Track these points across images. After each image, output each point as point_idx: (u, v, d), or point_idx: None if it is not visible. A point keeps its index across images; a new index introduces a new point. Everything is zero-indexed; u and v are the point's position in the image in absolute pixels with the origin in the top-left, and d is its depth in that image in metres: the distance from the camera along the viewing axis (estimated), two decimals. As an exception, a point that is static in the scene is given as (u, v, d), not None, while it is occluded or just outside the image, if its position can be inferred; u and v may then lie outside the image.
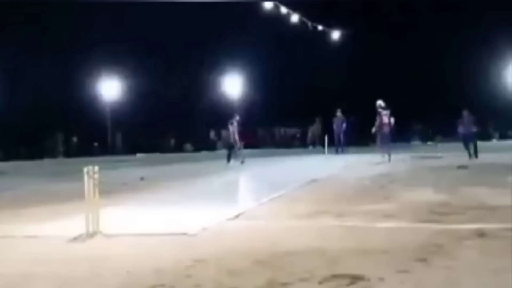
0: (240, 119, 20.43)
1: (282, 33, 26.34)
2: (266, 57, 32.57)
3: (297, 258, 5.42)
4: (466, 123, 18.06)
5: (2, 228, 7.60)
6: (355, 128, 26.53)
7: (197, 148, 34.71)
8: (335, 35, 25.05)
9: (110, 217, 7.28)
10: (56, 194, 11.69)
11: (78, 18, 30.12)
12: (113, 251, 6.09)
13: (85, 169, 6.85)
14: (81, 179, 6.89)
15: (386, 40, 33.10)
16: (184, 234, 6.74)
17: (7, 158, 28.70)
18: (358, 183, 12.33)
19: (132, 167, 20.21)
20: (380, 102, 18.69)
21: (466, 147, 17.80)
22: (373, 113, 18.72)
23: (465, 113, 18.17)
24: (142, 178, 14.67)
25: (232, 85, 35.70)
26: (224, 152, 24.28)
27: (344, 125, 25.04)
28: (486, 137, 32.58)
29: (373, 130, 18.64)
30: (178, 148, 35.81)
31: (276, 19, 22.14)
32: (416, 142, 33.47)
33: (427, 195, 9.76)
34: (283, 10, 21.67)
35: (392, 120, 18.63)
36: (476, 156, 17.12)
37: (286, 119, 36.66)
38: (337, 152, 24.36)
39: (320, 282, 4.60)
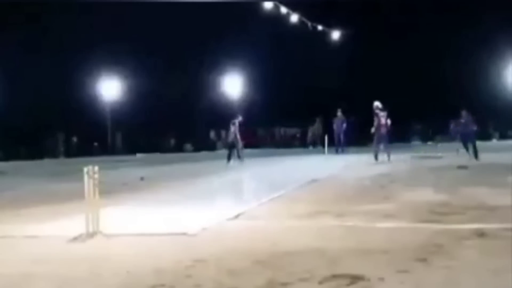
0: (242, 120, 20.45)
1: (282, 33, 26.32)
2: (266, 57, 32.58)
3: (297, 258, 5.42)
4: (465, 123, 18.05)
5: (2, 228, 7.60)
6: (355, 128, 26.54)
7: (197, 148, 34.71)
8: (335, 35, 25.02)
9: (110, 217, 7.28)
10: (56, 194, 11.69)
11: (78, 18, 30.12)
12: (113, 251, 6.09)
13: (85, 169, 6.85)
14: (81, 179, 6.90)
15: (386, 40, 33.11)
16: (184, 234, 6.74)
17: (7, 158, 28.69)
18: (358, 183, 12.33)
19: (132, 167, 20.21)
20: (377, 104, 18.70)
21: (465, 146, 17.79)
22: (373, 113, 18.74)
23: (464, 113, 18.15)
24: (142, 178, 14.67)
25: (232, 85, 35.70)
26: (224, 152, 24.28)
27: (344, 125, 25.04)
28: (486, 137, 32.58)
29: (372, 130, 18.65)
30: (178, 148, 35.80)
31: (276, 19, 22.12)
32: (416, 142, 33.49)
33: (427, 195, 9.76)
34: (283, 10, 21.64)
35: (389, 121, 18.66)
36: (476, 157, 17.08)
37: (286, 119, 36.66)
38: (337, 152, 24.36)
39: (320, 282, 4.60)
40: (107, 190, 8.63)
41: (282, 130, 39.10)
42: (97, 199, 6.92)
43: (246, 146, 20.78)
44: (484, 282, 4.55)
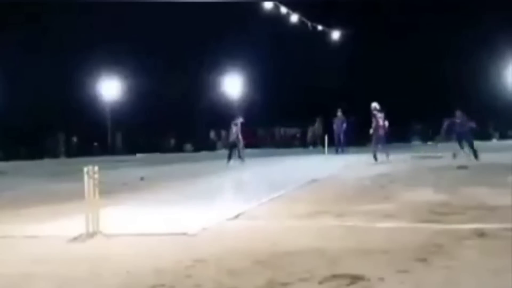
0: (244, 120, 20.45)
1: (282, 33, 26.32)
2: (266, 57, 32.56)
3: (297, 258, 5.42)
4: (460, 123, 18.04)
5: (2, 228, 7.61)
6: (355, 128, 26.54)
7: (197, 148, 34.69)
8: (335, 35, 25.02)
9: (110, 217, 7.28)
10: (56, 194, 11.69)
11: (78, 18, 30.12)
12: (113, 251, 6.09)
13: (85, 169, 6.85)
14: (81, 179, 6.90)
15: (386, 40, 33.09)
16: (184, 234, 6.75)
17: (7, 158, 28.69)
18: (358, 183, 12.33)
19: (132, 167, 20.21)
20: (375, 105, 18.73)
21: (460, 145, 17.74)
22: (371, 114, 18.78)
23: (458, 113, 18.14)
24: (142, 178, 14.67)
25: (232, 85, 35.69)
26: (224, 152, 24.30)
27: (344, 125, 25.06)
28: (486, 137, 32.58)
29: (371, 131, 18.69)
30: (178, 148, 35.79)
31: (276, 19, 22.12)
32: (416, 142, 33.48)
33: (427, 195, 9.76)
34: (283, 10, 21.64)
35: (386, 123, 18.70)
36: (476, 156, 17.04)
37: (286, 119, 36.64)
38: (337, 152, 24.37)
39: (320, 282, 4.60)
40: (107, 190, 8.63)
41: (282, 130, 39.08)
42: (97, 199, 6.92)
43: (246, 146, 20.77)
44: (484, 282, 4.55)
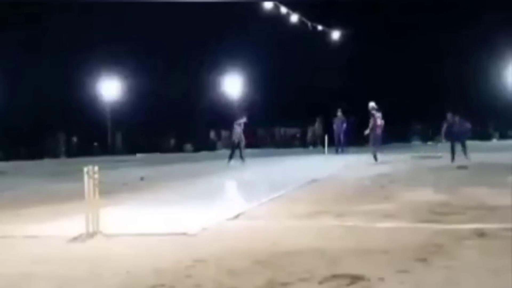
0: (247, 120, 20.44)
1: (282, 33, 26.31)
2: (266, 57, 32.56)
3: (297, 258, 5.42)
4: (455, 124, 18.05)
5: (2, 228, 7.61)
6: (355, 128, 26.54)
7: (197, 148, 34.68)
8: (335, 35, 25.01)
9: (110, 217, 7.28)
10: (56, 194, 11.69)
11: (78, 18, 30.12)
12: (113, 251, 6.09)
13: (85, 169, 6.85)
14: (81, 179, 6.90)
15: (386, 40, 33.10)
16: (184, 234, 6.75)
17: (7, 158, 28.69)
18: (358, 183, 12.33)
19: (132, 167, 20.21)
20: (373, 104, 18.75)
21: (452, 148, 17.57)
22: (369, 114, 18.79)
23: (449, 115, 18.13)
24: (142, 178, 14.67)
25: (232, 85, 35.68)
26: (224, 152, 24.31)
27: (344, 125, 25.06)
28: (486, 137, 32.62)
29: (366, 132, 18.69)
30: (178, 148, 35.78)
31: (276, 19, 22.11)
32: (416, 142, 33.49)
33: (427, 195, 9.76)
34: (283, 10, 21.63)
35: (383, 122, 18.72)
36: (465, 154, 17.04)
37: (286, 119, 36.63)
38: (337, 152, 24.37)
39: (320, 282, 4.60)
40: (107, 190, 8.63)
41: (282, 130, 39.07)
42: (97, 199, 6.92)
43: (247, 146, 20.75)
44: (484, 282, 4.55)
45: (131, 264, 5.43)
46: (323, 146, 24.08)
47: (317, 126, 32.01)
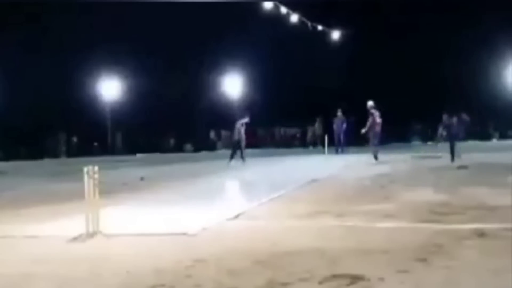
0: (249, 120, 20.45)
1: (282, 33, 26.32)
2: (266, 57, 32.58)
3: (297, 258, 5.42)
4: (455, 126, 18.09)
5: (2, 228, 7.60)
6: (355, 128, 26.55)
7: (197, 148, 34.70)
8: (335, 35, 25.02)
9: (110, 217, 7.28)
10: (56, 194, 11.69)
11: (78, 18, 30.14)
12: (113, 251, 6.09)
13: (85, 169, 6.85)
14: (81, 179, 6.89)
15: (386, 40, 33.10)
16: (184, 234, 6.74)
17: (7, 158, 28.71)
18: (358, 183, 12.33)
19: (132, 167, 20.21)
20: (371, 103, 18.87)
21: (452, 147, 17.63)
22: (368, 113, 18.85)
23: (445, 116, 18.17)
24: (142, 178, 14.67)
25: (232, 85, 35.70)
26: (223, 152, 24.30)
27: (344, 125, 25.08)
28: (486, 137, 32.63)
29: (363, 130, 18.76)
30: (178, 148, 35.80)
31: (276, 19, 22.12)
32: (416, 142, 33.50)
33: (427, 195, 9.76)
34: (283, 10, 21.64)
35: (381, 120, 18.81)
36: (456, 155, 17.10)
37: (286, 119, 36.63)
38: (337, 152, 24.38)
39: (320, 282, 4.60)
40: (107, 190, 8.64)
41: (282, 130, 39.08)
42: (97, 199, 6.92)
43: (246, 146, 20.76)
44: (484, 282, 4.55)
45: (131, 264, 5.43)
46: (323, 146, 24.09)
47: (317, 126, 32.02)
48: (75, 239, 6.62)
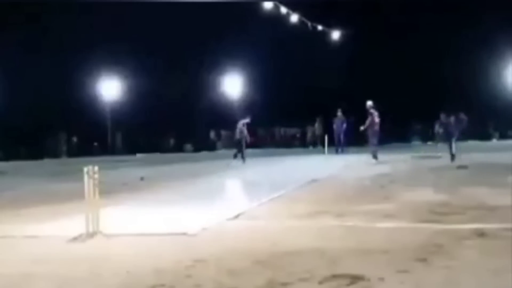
0: (250, 120, 20.51)
1: (282, 33, 26.32)
2: (266, 57, 32.57)
3: (297, 258, 5.42)
4: (452, 125, 18.11)
5: (2, 228, 7.61)
6: (355, 128, 26.55)
7: (197, 148, 34.71)
8: (335, 35, 25.02)
9: (110, 217, 7.28)
10: (56, 194, 11.69)
11: (78, 18, 30.15)
12: (113, 251, 6.09)
13: (85, 169, 6.85)
14: (81, 179, 6.90)
15: (386, 40, 33.10)
16: (184, 234, 6.74)
17: (7, 158, 28.72)
18: (358, 183, 12.33)
19: (132, 167, 20.22)
20: (370, 103, 18.98)
21: (450, 147, 17.71)
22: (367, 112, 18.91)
23: (442, 116, 18.21)
24: (142, 178, 14.67)
25: (232, 85, 35.70)
26: (223, 152, 24.30)
27: (344, 125, 25.08)
28: (486, 137, 32.63)
29: (362, 128, 18.86)
30: (178, 148, 35.81)
31: (276, 19, 22.12)
32: (416, 142, 33.50)
33: (427, 195, 9.76)
34: (283, 10, 21.63)
35: (379, 120, 18.91)
36: (451, 154, 17.15)
37: (286, 119, 36.64)
38: (337, 152, 24.39)
39: (320, 282, 4.60)
40: (107, 190, 8.64)
41: (282, 130, 39.09)
42: (97, 199, 6.92)
43: (247, 146, 20.79)
44: (484, 282, 4.55)
45: (131, 264, 5.43)
46: (323, 146, 24.09)
47: (317, 126, 32.02)
48: (75, 239, 6.62)
